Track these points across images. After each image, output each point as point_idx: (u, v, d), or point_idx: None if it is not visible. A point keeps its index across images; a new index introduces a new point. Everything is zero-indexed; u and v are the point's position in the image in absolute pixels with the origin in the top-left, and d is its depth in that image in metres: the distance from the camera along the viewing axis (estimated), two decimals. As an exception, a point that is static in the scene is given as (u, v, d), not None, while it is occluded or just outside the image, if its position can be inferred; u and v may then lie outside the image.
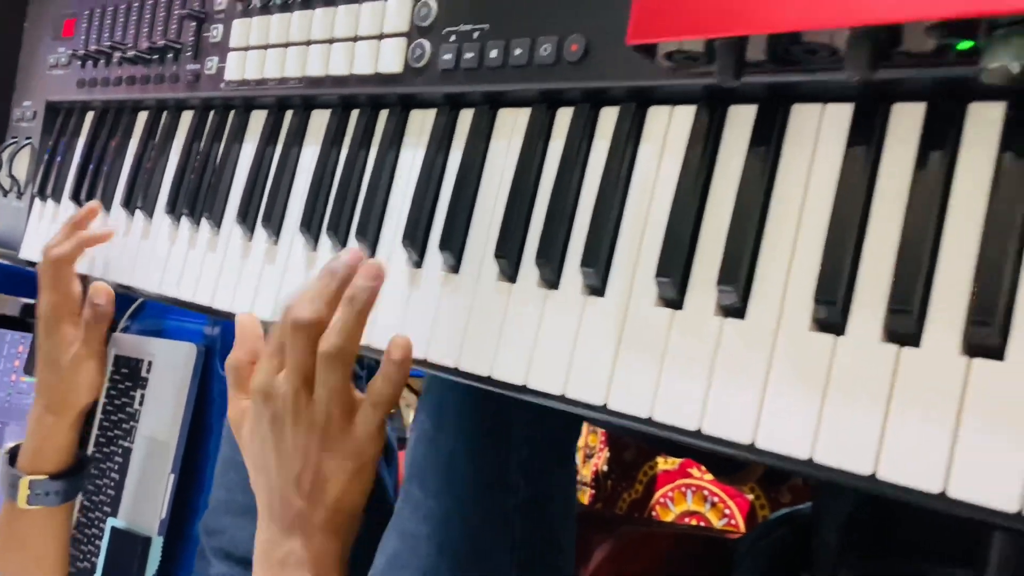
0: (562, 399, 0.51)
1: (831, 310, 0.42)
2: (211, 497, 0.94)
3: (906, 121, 0.42)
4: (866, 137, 0.43)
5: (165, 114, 0.87)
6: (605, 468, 1.31)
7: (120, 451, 1.16)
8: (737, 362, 0.45)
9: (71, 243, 0.88)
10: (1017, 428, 0.36)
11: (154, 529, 1.09)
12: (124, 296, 0.91)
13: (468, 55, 0.59)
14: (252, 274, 0.72)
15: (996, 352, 0.38)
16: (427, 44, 0.61)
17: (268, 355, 0.60)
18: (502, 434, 0.71)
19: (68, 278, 0.89)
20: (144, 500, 1.12)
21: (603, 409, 0.49)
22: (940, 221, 0.41)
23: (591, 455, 1.35)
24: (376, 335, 0.61)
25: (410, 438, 0.78)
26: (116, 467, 1.16)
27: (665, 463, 1.28)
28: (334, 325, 0.57)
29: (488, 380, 0.55)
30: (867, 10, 0.36)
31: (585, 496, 1.35)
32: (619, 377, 0.49)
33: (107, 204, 0.90)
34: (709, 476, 1.20)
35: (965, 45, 0.37)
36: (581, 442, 1.41)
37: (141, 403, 1.17)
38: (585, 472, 1.38)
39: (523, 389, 0.53)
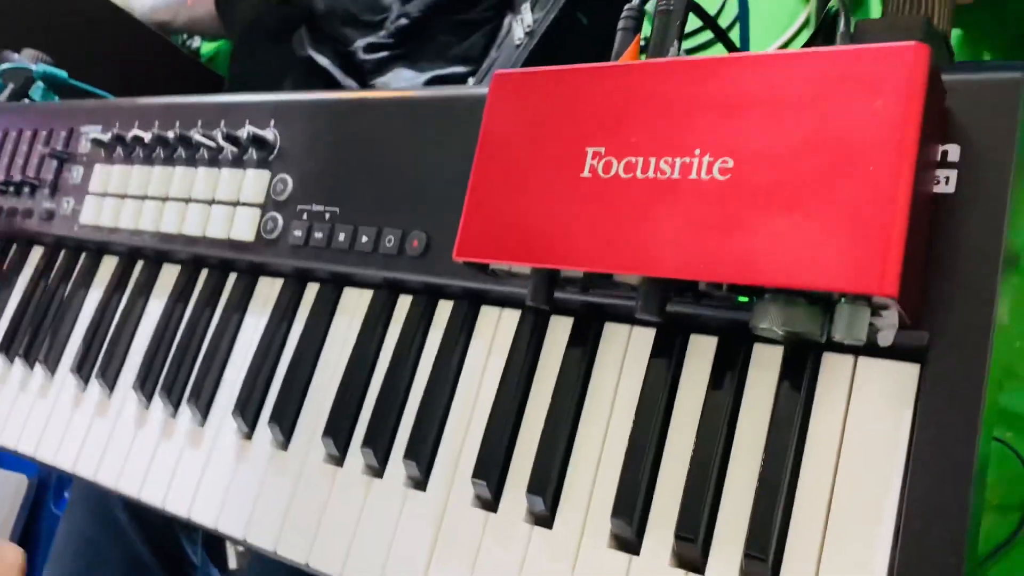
0: (376, 596, 0.51)
1: (627, 529, 0.44)
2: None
3: (700, 351, 0.46)
4: (666, 362, 0.46)
5: (15, 247, 0.85)
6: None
7: (-77, 593, 1.05)
8: (542, 574, 0.46)
9: None
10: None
11: None
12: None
13: (318, 234, 0.60)
14: (80, 427, 0.69)
15: (769, 586, 0.40)
16: (280, 217, 0.63)
17: None
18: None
19: None
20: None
21: (414, 610, 0.49)
22: (727, 450, 0.43)
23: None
24: (199, 508, 0.60)
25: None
26: (-84, 611, 1.05)
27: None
28: None
29: (306, 567, 0.54)
30: (649, 264, 0.40)
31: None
32: (431, 578, 0.49)
33: (-62, 334, 0.85)
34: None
35: (743, 299, 0.41)
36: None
37: (-44, 539, 1.07)
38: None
39: (339, 581, 0.52)
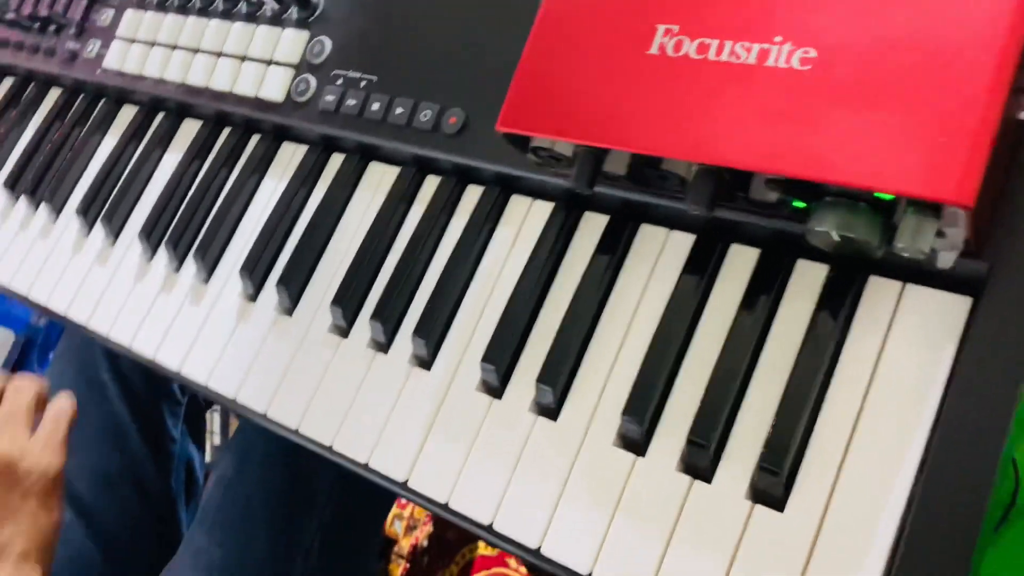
0: (366, 467, 0.49)
1: (636, 429, 0.42)
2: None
3: (740, 262, 0.44)
4: (701, 269, 0.44)
5: (32, 86, 0.82)
6: (425, 543, 1.27)
7: None
8: (541, 464, 0.44)
9: None
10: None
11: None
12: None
13: (351, 101, 0.58)
14: (79, 271, 0.67)
15: (778, 503, 0.39)
16: (313, 80, 0.60)
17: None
18: (306, 492, 0.68)
19: None
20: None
21: (403, 486, 0.48)
22: (752, 364, 0.42)
23: (414, 527, 1.31)
24: (192, 364, 0.58)
25: (209, 480, 0.74)
26: None
27: (485, 548, 1.26)
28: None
29: (295, 433, 0.52)
30: (711, 150, 0.37)
31: (399, 568, 1.31)
32: (426, 456, 0.47)
33: (-59, 165, 0.83)
34: (524, 569, 1.18)
35: (799, 204, 0.39)
36: (406, 512, 1.38)
37: (-64, 384, 1.06)
38: (404, 543, 1.34)
39: (328, 449, 0.51)
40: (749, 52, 0.38)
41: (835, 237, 0.36)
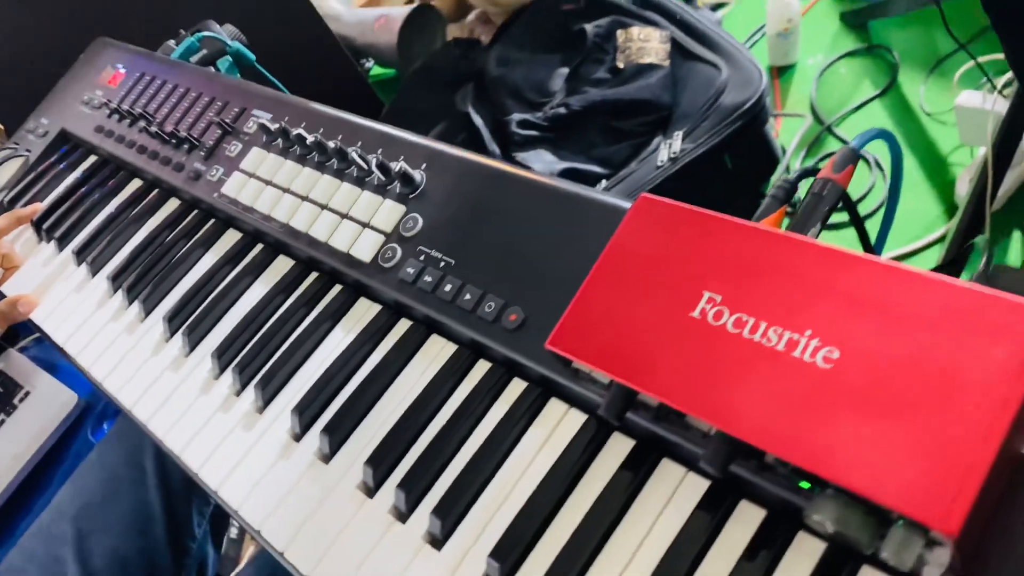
0: (361, 630, 0.52)
1: (620, 661, 0.44)
2: (6, 558, 0.89)
3: (746, 518, 0.46)
4: (711, 513, 0.47)
5: (155, 192, 0.91)
6: None
7: (-52, 466, 1.10)
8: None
9: (5, 219, 0.98)
10: None
11: (-65, 560, 1.02)
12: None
13: (427, 278, 0.63)
14: (153, 371, 0.73)
15: None
16: (400, 251, 0.66)
17: None
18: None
19: None
20: (-57, 526, 1.06)
21: (391, 658, 0.50)
22: (741, 622, 0.43)
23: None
24: (229, 487, 0.62)
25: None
26: (-65, 481, 1.10)
27: None
28: None
29: (305, 579, 0.55)
30: (729, 420, 0.41)
31: None
32: (418, 635, 0.50)
33: (61, 245, 0.92)
34: None
35: (805, 485, 0.42)
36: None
37: (-4, 428, 1.13)
38: None
39: (332, 603, 0.53)
40: (780, 339, 0.42)
41: (829, 528, 0.39)
